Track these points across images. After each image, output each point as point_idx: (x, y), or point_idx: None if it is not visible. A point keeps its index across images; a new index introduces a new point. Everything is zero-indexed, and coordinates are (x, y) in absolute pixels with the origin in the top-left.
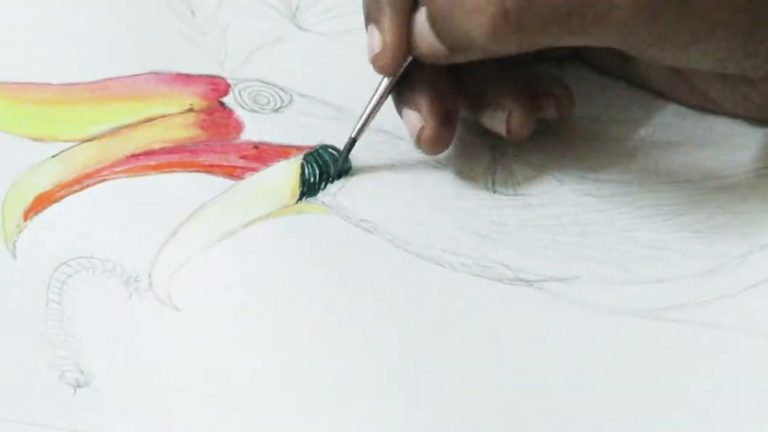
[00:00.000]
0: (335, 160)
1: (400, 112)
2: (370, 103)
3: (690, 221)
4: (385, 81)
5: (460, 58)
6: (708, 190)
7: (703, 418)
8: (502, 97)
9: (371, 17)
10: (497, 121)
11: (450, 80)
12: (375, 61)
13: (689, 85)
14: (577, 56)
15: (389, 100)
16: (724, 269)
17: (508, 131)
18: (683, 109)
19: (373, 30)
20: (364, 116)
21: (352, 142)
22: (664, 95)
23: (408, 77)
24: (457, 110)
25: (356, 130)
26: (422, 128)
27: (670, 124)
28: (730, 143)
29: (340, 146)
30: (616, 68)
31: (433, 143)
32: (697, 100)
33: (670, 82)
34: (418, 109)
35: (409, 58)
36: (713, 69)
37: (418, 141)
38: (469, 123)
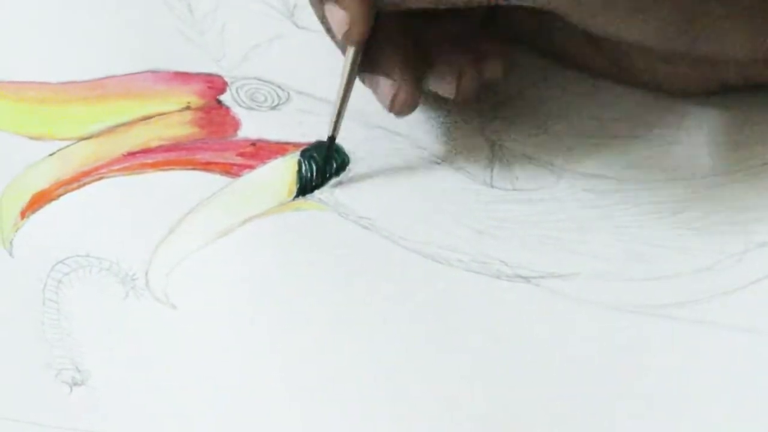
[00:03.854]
0: (332, 156)
1: (366, 81)
2: (340, 88)
3: (688, 218)
4: (351, 56)
5: (417, 3)
6: (706, 187)
7: (701, 415)
8: (450, 56)
9: None
10: (445, 83)
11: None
12: (348, 35)
13: (604, 56)
14: (493, 21)
15: None
16: (723, 267)
17: (458, 90)
18: (681, 107)
19: (332, 8)
20: (338, 103)
21: (332, 140)
22: (578, 66)
23: (374, 48)
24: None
25: (332, 126)
26: (396, 93)
27: (668, 122)
28: (729, 140)
29: (338, 143)
30: (531, 37)
31: (408, 106)
32: (610, 69)
33: (586, 52)
34: (389, 76)
35: None
36: (648, 43)
37: (392, 106)
38: (467, 117)
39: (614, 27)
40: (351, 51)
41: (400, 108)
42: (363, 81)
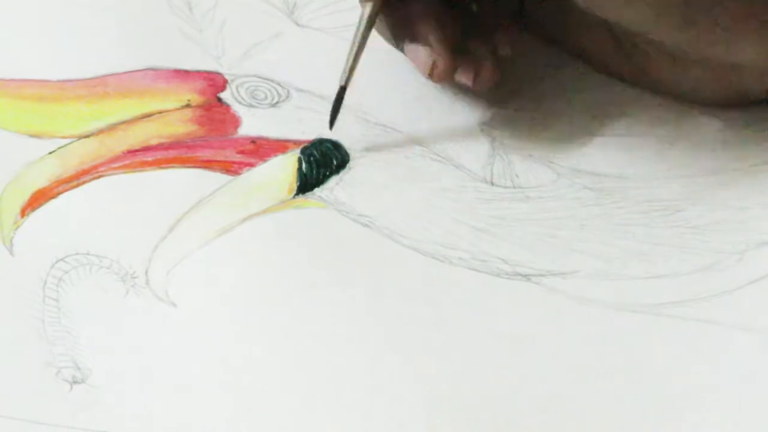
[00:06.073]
0: (333, 153)
1: (406, 50)
2: (355, 40)
3: (688, 217)
4: (367, 12)
5: None
6: (706, 186)
7: (701, 414)
8: (473, 46)
9: None
10: (465, 73)
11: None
12: None
13: (630, 63)
14: (522, 16)
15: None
16: (722, 266)
17: (476, 80)
18: (682, 106)
19: None
20: (352, 55)
21: (342, 90)
22: (606, 72)
23: (411, 14)
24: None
25: (345, 76)
26: (435, 62)
27: (669, 120)
28: (728, 139)
29: (338, 140)
30: (560, 40)
31: (445, 73)
32: (636, 76)
33: (613, 58)
34: (429, 45)
35: None
36: (646, 32)
37: (431, 74)
38: (467, 114)
39: (606, 8)
40: (368, 6)
41: (438, 75)
42: (402, 50)
